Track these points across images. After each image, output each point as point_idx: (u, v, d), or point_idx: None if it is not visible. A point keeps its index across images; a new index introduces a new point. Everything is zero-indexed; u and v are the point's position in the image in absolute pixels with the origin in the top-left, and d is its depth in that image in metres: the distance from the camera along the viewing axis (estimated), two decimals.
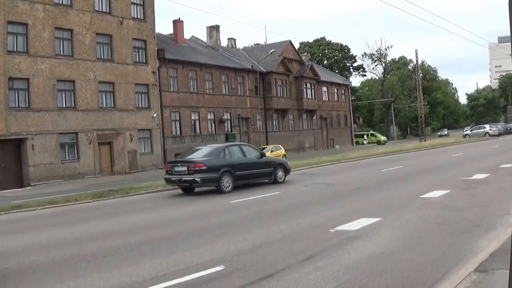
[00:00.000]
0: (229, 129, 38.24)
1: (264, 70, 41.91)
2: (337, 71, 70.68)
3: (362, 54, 78.09)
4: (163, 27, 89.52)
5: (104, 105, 28.03)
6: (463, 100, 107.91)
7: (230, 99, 38.53)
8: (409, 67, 77.70)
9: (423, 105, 57.85)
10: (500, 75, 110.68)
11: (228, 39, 47.85)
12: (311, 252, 6.01)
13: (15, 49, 23.79)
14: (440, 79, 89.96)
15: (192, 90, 34.86)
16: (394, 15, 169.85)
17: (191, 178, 13.67)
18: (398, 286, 4.61)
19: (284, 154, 32.79)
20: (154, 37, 31.59)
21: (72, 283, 5.26)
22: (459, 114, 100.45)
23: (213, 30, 42.77)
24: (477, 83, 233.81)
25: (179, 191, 15.26)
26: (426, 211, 8.54)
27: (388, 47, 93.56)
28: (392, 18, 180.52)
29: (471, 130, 54.51)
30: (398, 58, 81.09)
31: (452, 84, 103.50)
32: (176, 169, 14.18)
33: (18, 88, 24.02)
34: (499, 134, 49.86)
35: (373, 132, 64.38)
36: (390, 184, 13.40)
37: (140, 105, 30.25)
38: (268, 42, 50.87)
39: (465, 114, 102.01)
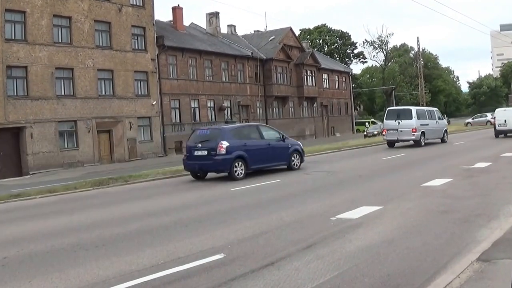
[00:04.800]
0: (229, 117, 38.08)
1: (264, 57, 41.64)
2: (337, 58, 70.27)
3: (363, 41, 77.63)
4: (162, 14, 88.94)
5: (103, 93, 27.89)
6: (464, 88, 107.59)
7: (230, 87, 38.35)
8: (411, 55, 77.25)
9: (425, 93, 57.67)
10: (502, 63, 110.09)
11: (228, 26, 47.48)
12: (312, 240, 5.98)
13: (13, 37, 23.58)
14: (441, 67, 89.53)
15: (191, 77, 34.67)
16: (396, 2, 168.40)
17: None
18: (399, 275, 4.57)
19: None
20: (153, 24, 31.31)
21: (72, 271, 5.22)
22: (460, 102, 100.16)
23: (213, 17, 42.40)
24: (479, 71, 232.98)
25: (179, 178, 15.24)
26: (427, 199, 8.50)
27: (389, 35, 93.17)
28: (393, 5, 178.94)
29: (473, 119, 54.41)
30: (400, 46, 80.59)
31: (453, 72, 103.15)
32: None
33: (16, 76, 23.86)
34: None
35: (374, 120, 64.24)
36: (391, 172, 13.36)
37: (139, 92, 30.10)
38: (268, 29, 50.51)
39: (467, 102, 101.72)
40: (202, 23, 43.41)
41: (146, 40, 30.49)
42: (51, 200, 12.14)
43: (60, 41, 25.68)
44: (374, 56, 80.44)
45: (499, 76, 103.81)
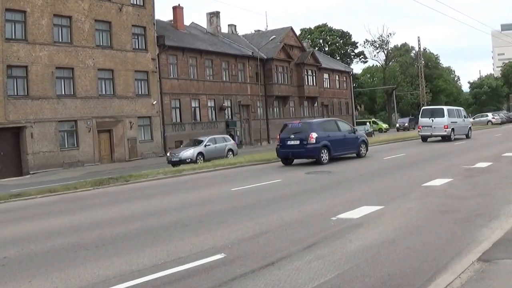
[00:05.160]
0: (230, 117, 38.12)
1: (265, 57, 41.62)
2: (338, 58, 70.23)
3: (363, 41, 77.65)
4: (163, 13, 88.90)
5: (104, 93, 27.91)
6: (465, 88, 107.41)
7: (230, 86, 38.34)
8: (411, 54, 77.15)
9: (425, 92, 57.61)
10: (503, 63, 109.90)
11: (229, 25, 47.49)
12: (312, 240, 5.97)
13: (13, 37, 23.61)
14: (442, 67, 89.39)
15: (192, 77, 34.67)
16: (396, 1, 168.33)
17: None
18: (400, 275, 4.56)
19: None
20: (154, 24, 31.32)
21: (72, 271, 5.22)
22: (461, 102, 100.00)
23: (213, 16, 42.40)
24: (480, 71, 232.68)
25: (180, 178, 15.26)
26: (428, 199, 8.48)
27: (390, 34, 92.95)
28: (394, 5, 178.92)
29: (473, 118, 54.44)
30: (400, 45, 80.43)
31: (454, 71, 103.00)
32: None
33: (16, 76, 23.89)
34: (502, 123, 49.77)
35: (375, 120, 64.19)
36: (392, 172, 13.34)
37: (139, 92, 30.11)
38: (269, 29, 50.50)
39: (468, 102, 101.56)
40: (203, 23, 43.49)
41: (146, 39, 30.50)
42: (51, 200, 12.13)
43: (60, 40, 25.70)
44: (374, 56, 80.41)
45: (500, 76, 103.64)
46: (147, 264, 5.32)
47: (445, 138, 24.79)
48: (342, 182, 11.72)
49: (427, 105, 52.44)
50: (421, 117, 25.78)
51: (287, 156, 17.12)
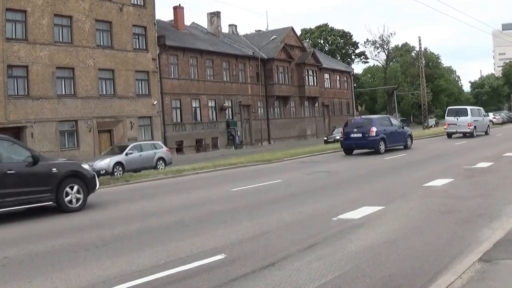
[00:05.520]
0: (230, 117, 38.12)
1: (266, 57, 41.63)
2: (339, 58, 70.21)
3: (364, 41, 77.60)
4: (164, 13, 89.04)
5: (104, 93, 27.91)
6: (466, 88, 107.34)
7: (231, 86, 38.34)
8: (412, 54, 77.09)
9: (426, 92, 57.51)
10: (504, 62, 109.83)
11: (229, 25, 47.51)
12: (313, 240, 5.95)
13: (13, 37, 23.62)
14: (443, 67, 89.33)
15: (192, 77, 34.68)
16: (397, 1, 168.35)
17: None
18: (401, 275, 4.55)
19: None
20: (154, 24, 31.33)
21: (72, 271, 5.20)
22: (462, 102, 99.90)
23: (214, 16, 42.41)
24: (480, 70, 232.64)
25: (180, 178, 15.26)
26: (429, 199, 8.47)
27: (391, 34, 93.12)
28: (394, 5, 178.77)
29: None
30: (401, 45, 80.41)
31: (455, 71, 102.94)
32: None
33: (17, 76, 23.90)
34: (503, 123, 49.80)
35: None
36: (393, 172, 13.33)
37: (140, 92, 30.12)
38: (269, 29, 50.51)
39: (469, 102, 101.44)
40: (203, 23, 43.49)
41: (147, 39, 30.51)
42: None
43: (61, 40, 25.71)
44: (375, 55, 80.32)
45: (501, 75, 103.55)
46: (148, 264, 5.31)
47: (466, 135, 27.22)
48: (343, 182, 11.71)
49: (428, 105, 52.74)
50: (447, 116, 28.53)
51: (351, 147, 19.96)
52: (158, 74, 31.17)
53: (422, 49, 58.91)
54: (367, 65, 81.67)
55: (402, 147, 20.79)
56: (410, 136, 21.66)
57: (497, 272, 4.33)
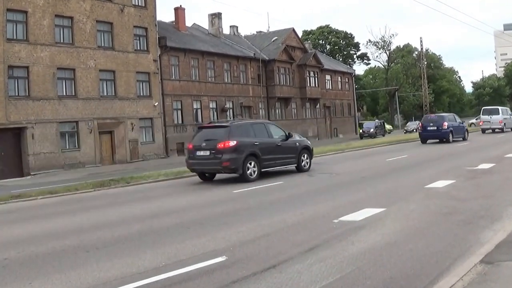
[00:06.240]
0: (232, 118, 38.09)
1: (267, 58, 41.62)
2: (340, 59, 70.19)
3: (366, 42, 77.76)
4: (165, 14, 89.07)
5: (105, 94, 27.91)
6: (468, 88, 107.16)
7: (232, 88, 38.33)
8: (414, 55, 77.04)
9: (428, 93, 57.45)
10: (506, 63, 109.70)
11: (230, 26, 47.49)
12: (314, 242, 5.94)
13: (14, 37, 23.60)
14: (445, 67, 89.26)
15: (194, 78, 34.67)
16: (398, 2, 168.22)
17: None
18: (402, 277, 4.53)
19: None
20: (156, 25, 31.33)
21: (72, 273, 5.20)
22: (464, 103, 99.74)
23: (215, 17, 42.42)
24: (482, 71, 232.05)
25: (181, 180, 15.25)
26: (431, 201, 8.45)
27: (393, 35, 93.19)
28: (396, 5, 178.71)
29: (476, 119, 54.39)
30: (403, 46, 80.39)
31: (457, 72, 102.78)
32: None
33: (17, 77, 23.89)
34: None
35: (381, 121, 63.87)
36: (395, 173, 13.30)
37: (141, 93, 30.11)
38: (270, 30, 50.54)
39: (471, 103, 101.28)
40: (204, 24, 43.48)
41: (148, 40, 30.51)
42: (52, 201, 12.11)
43: (62, 41, 25.71)
44: (377, 56, 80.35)
45: (502, 76, 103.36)
46: (148, 266, 5.30)
47: (495, 130, 32.71)
48: (344, 184, 11.69)
49: (430, 106, 53.26)
50: (482, 115, 34.97)
51: (428, 137, 25.78)
52: (159, 75, 31.18)
53: (424, 49, 58.95)
54: (368, 66, 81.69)
55: (461, 138, 26.32)
56: (467, 130, 27.78)
57: (499, 274, 4.31)
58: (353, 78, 58.97)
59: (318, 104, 49.06)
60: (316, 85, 47.86)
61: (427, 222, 6.84)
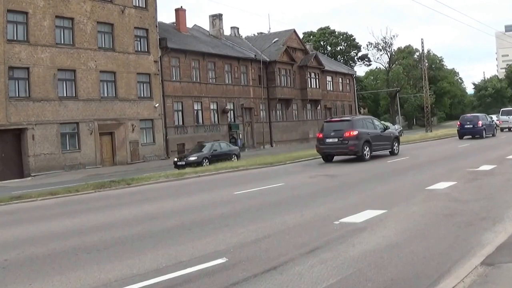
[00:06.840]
0: (232, 119, 38.10)
1: (268, 60, 41.63)
2: (341, 60, 70.18)
3: (367, 44, 77.71)
4: (165, 15, 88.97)
5: (106, 95, 27.94)
6: (470, 90, 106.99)
7: (233, 89, 38.35)
8: (415, 56, 76.98)
9: (429, 95, 57.32)
10: (507, 64, 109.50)
11: (231, 28, 47.53)
12: (315, 244, 5.92)
13: (15, 38, 23.66)
14: (446, 69, 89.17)
15: (194, 79, 34.70)
16: (399, 3, 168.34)
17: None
18: (403, 279, 4.52)
19: None
20: (156, 26, 31.38)
21: (72, 275, 5.19)
22: (466, 104, 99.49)
23: (216, 19, 42.46)
24: (483, 72, 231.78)
25: (182, 182, 15.25)
26: (432, 203, 8.43)
27: (394, 36, 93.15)
28: (397, 7, 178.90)
29: None
30: (404, 47, 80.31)
31: (458, 73, 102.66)
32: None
33: (18, 78, 23.93)
34: None
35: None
36: (396, 175, 13.28)
37: (142, 94, 30.14)
38: (271, 31, 50.53)
39: (472, 104, 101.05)
40: (205, 25, 43.56)
41: (149, 42, 30.55)
42: (53, 203, 12.11)
43: (62, 42, 25.75)
44: (378, 58, 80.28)
45: (504, 77, 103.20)
46: (149, 268, 5.29)
47: (510, 130, 36.20)
48: (345, 186, 11.67)
49: (431, 107, 53.31)
50: (501, 116, 38.66)
51: (465, 134, 29.01)
52: (159, 76, 31.20)
53: (425, 51, 58.85)
54: (369, 67, 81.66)
55: (491, 135, 29.76)
56: (496, 128, 31.63)
57: (500, 275, 4.30)
58: (354, 79, 58.98)
59: (319, 106, 49.07)
60: (317, 87, 47.87)
61: (428, 224, 6.82)
